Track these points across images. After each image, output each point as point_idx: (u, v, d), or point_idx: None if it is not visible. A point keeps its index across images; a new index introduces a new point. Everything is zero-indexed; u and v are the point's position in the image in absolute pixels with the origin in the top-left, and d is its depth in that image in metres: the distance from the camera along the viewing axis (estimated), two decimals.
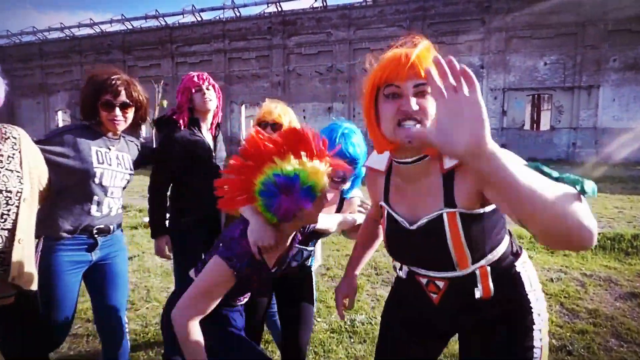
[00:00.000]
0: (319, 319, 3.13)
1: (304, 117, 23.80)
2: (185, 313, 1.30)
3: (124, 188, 2.01)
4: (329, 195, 1.62)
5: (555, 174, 0.85)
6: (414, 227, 1.15)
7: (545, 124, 23.94)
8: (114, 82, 1.82)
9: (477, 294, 1.13)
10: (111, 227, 1.95)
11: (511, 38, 20.27)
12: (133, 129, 2.00)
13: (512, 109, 20.68)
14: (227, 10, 26.60)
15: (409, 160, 1.12)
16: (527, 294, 1.16)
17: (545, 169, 0.86)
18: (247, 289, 1.51)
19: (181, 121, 2.26)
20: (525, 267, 1.19)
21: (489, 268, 1.13)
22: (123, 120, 1.88)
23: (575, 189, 0.81)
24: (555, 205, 0.76)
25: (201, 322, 1.34)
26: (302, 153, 1.21)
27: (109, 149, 1.91)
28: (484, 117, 0.76)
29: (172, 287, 2.66)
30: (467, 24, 20.89)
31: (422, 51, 1.04)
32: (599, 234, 5.01)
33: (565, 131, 19.74)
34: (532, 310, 1.16)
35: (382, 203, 1.27)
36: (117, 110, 1.85)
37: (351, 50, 23.03)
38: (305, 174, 1.19)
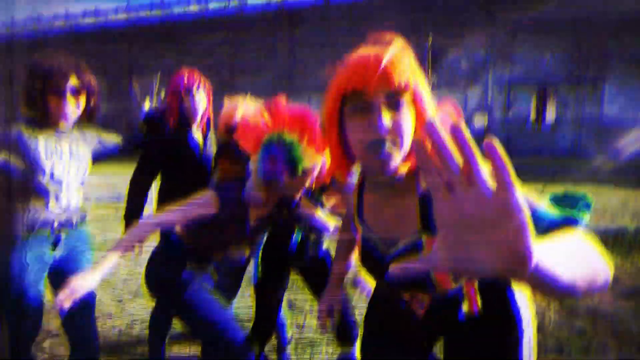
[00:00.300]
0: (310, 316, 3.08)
1: None
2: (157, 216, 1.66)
3: (83, 181, 1.92)
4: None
5: (556, 213, 0.75)
6: (389, 257, 1.02)
7: (549, 119, 23.74)
8: (61, 67, 1.69)
9: (464, 308, 1.04)
10: (73, 221, 1.87)
11: (516, 32, 20.01)
12: (89, 119, 1.89)
13: (517, 103, 20.49)
14: (233, 1, 26.39)
15: (379, 180, 1.00)
16: (516, 302, 1.07)
17: (548, 209, 0.76)
18: (220, 240, 1.65)
19: (170, 120, 2.25)
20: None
21: (475, 285, 1.03)
22: (74, 109, 1.76)
23: (576, 220, 0.74)
24: (586, 276, 0.60)
25: (172, 290, 1.61)
26: (306, 138, 1.38)
27: (60, 141, 1.80)
28: (527, 227, 0.45)
29: None
30: (471, 17, 20.63)
31: (396, 53, 0.88)
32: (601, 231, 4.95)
33: (569, 126, 19.55)
34: (522, 320, 1.07)
35: (356, 218, 1.13)
36: (67, 99, 1.71)
37: (356, 42, 22.76)
38: (298, 150, 1.36)
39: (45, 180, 1.73)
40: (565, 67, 19.46)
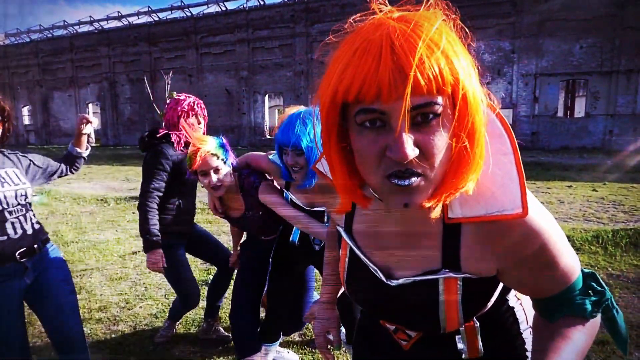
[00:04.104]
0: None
1: None
2: None
3: (29, 203, 1.82)
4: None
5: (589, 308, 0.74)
6: (393, 283, 0.81)
7: (579, 111, 22.86)
8: None
9: (463, 354, 0.86)
10: (35, 246, 1.78)
11: (544, 20, 19.28)
12: (2, 142, 1.80)
13: (545, 95, 19.76)
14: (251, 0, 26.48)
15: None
16: (521, 333, 0.89)
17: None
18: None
19: (176, 140, 2.35)
20: (520, 298, 0.90)
21: (477, 324, 0.84)
22: None
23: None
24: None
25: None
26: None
27: None
28: None
29: (170, 286, 2.56)
30: (497, 6, 19.99)
31: (429, 38, 0.54)
32: (631, 229, 4.59)
33: (601, 118, 18.73)
34: (527, 352, 0.89)
35: (343, 234, 0.91)
36: None
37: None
38: (187, 159, 1.90)
39: None
40: (597, 56, 18.63)
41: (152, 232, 2.17)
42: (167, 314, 2.76)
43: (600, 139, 18.75)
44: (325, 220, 1.80)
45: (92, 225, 5.93)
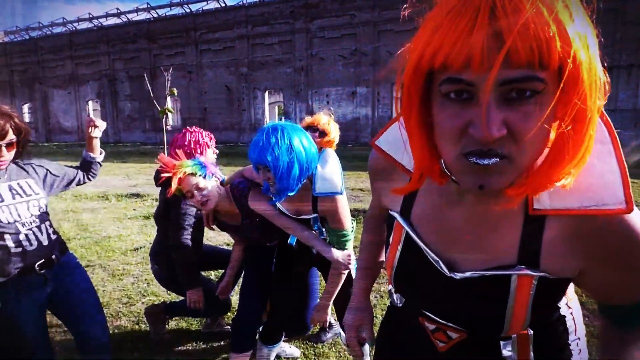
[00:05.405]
0: None
1: (327, 103, 23.48)
2: None
3: (45, 213, 1.83)
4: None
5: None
6: (457, 276, 0.72)
7: None
8: None
9: (504, 352, 0.79)
10: (53, 257, 1.80)
11: None
12: (21, 155, 1.83)
13: None
14: None
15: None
16: (569, 344, 0.82)
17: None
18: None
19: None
20: (571, 307, 0.83)
21: (531, 332, 0.77)
22: (9, 155, 1.70)
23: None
24: None
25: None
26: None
27: None
28: None
29: None
30: None
31: (537, 5, 0.45)
32: None
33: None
34: None
35: (399, 219, 0.81)
36: (4, 151, 1.66)
37: (376, 33, 22.43)
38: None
39: None
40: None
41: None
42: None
43: None
44: (315, 228, 1.81)
45: (94, 222, 5.94)
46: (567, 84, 0.48)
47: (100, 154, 2.15)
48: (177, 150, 2.13)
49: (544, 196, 0.63)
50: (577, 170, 0.55)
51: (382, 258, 1.14)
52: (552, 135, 0.53)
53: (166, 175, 1.91)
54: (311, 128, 2.43)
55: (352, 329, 1.10)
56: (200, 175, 1.92)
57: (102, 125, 2.05)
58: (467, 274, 0.71)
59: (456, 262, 0.73)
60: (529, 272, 0.65)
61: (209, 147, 2.43)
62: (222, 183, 2.03)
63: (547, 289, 0.67)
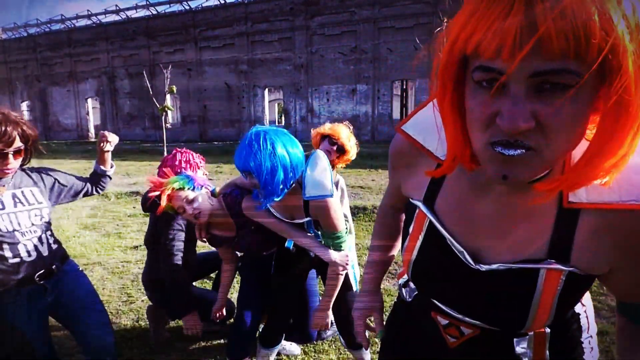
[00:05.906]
0: None
1: (327, 100, 23.45)
2: None
3: (48, 222, 1.81)
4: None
5: None
6: (483, 268, 0.70)
7: None
8: (5, 129, 1.59)
9: (517, 350, 0.77)
10: (53, 267, 1.78)
11: None
12: (28, 161, 1.81)
13: None
14: None
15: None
16: (582, 342, 0.81)
17: None
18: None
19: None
20: (585, 305, 0.83)
21: (548, 330, 0.76)
22: (16, 163, 1.68)
23: None
24: None
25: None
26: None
27: None
28: None
29: None
30: None
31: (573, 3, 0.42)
32: None
33: None
34: None
35: (422, 207, 0.79)
36: (11, 158, 1.63)
37: (376, 30, 22.37)
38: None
39: None
40: None
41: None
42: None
43: None
44: (311, 231, 1.79)
45: (94, 220, 5.93)
46: (610, 76, 0.45)
47: (111, 167, 2.13)
48: (164, 169, 2.04)
49: (580, 189, 0.61)
50: (618, 170, 0.53)
51: (395, 249, 1.12)
52: (593, 129, 0.50)
53: (154, 194, 1.85)
54: (329, 139, 2.39)
55: (361, 317, 1.09)
56: (188, 188, 1.88)
57: (114, 139, 2.04)
58: (494, 266, 0.69)
59: (482, 254, 0.71)
60: (559, 266, 0.64)
61: (199, 167, 2.35)
62: (213, 194, 1.99)
63: (574, 285, 0.65)
